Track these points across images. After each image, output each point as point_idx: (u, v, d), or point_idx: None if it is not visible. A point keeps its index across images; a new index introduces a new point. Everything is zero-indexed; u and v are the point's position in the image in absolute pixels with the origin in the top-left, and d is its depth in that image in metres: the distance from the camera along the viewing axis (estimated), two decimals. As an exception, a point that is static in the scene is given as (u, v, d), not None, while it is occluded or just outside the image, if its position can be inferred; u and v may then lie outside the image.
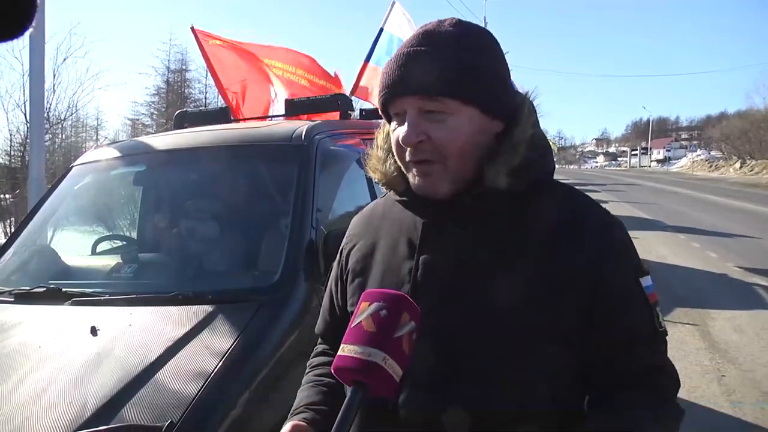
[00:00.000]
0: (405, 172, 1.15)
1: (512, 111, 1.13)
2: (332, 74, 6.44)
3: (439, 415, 1.03)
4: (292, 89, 5.91)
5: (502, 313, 1.03)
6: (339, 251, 1.34)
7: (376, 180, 1.24)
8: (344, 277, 1.29)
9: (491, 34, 1.16)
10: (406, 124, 1.09)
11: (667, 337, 1.11)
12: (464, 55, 1.08)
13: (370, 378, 0.91)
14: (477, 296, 1.06)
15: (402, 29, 6.85)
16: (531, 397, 1.03)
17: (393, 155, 1.19)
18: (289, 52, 6.21)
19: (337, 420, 0.89)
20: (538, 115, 1.17)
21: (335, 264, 1.35)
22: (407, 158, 1.11)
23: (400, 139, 1.10)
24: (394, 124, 1.14)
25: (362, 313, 0.96)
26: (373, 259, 1.22)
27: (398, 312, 0.94)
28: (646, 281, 1.09)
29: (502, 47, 1.16)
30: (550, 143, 1.24)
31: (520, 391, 1.03)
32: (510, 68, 1.18)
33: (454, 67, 1.06)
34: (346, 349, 0.94)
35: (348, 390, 0.94)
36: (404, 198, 1.19)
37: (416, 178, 1.11)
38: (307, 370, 1.36)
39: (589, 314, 1.03)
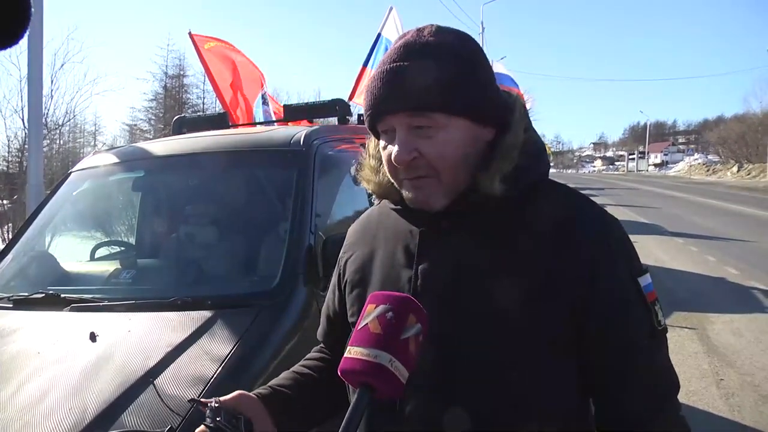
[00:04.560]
0: (399, 187, 1.14)
1: (502, 116, 1.12)
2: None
3: (441, 417, 1.04)
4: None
5: (501, 318, 1.03)
6: (337, 261, 1.34)
7: (370, 191, 1.23)
8: (342, 287, 1.29)
9: (472, 38, 1.15)
10: (396, 142, 1.08)
11: (667, 335, 1.10)
12: (446, 65, 1.06)
13: (377, 380, 0.91)
14: (476, 302, 1.06)
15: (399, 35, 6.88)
16: (531, 400, 1.03)
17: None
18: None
19: (344, 421, 0.90)
20: (530, 118, 1.16)
21: (334, 273, 1.35)
22: (401, 176, 1.11)
23: (392, 158, 1.08)
24: (383, 141, 1.13)
25: (368, 315, 0.96)
26: (371, 269, 1.21)
27: (405, 314, 0.95)
28: (644, 280, 1.08)
29: (484, 51, 1.15)
30: (545, 146, 1.23)
31: (520, 394, 1.03)
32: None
33: (438, 80, 1.05)
34: (352, 351, 0.94)
35: (354, 392, 0.94)
36: (399, 207, 1.19)
37: (410, 193, 1.11)
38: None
39: (587, 315, 1.03)
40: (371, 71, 6.66)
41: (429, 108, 1.05)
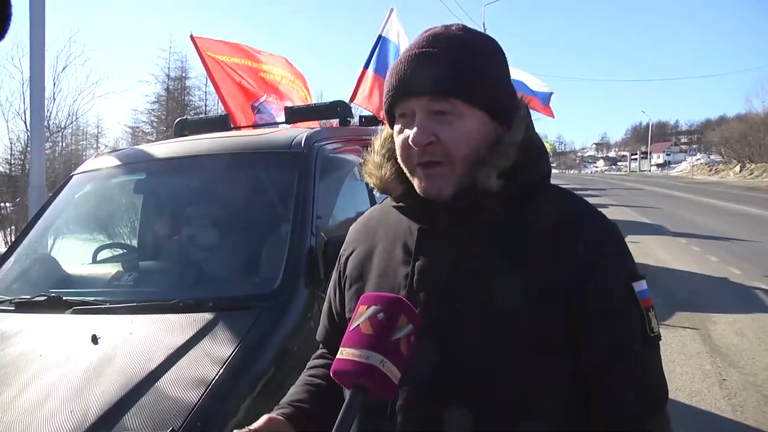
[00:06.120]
0: (409, 175, 1.14)
1: (513, 116, 1.14)
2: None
3: (437, 417, 1.04)
4: (289, 95, 5.98)
5: (496, 317, 1.03)
6: (337, 259, 1.35)
7: (372, 185, 1.24)
8: (342, 284, 1.29)
9: (496, 41, 1.18)
10: (415, 125, 1.09)
11: (660, 342, 1.10)
12: (473, 59, 1.09)
13: (369, 380, 0.92)
14: (472, 301, 1.06)
15: (399, 37, 6.88)
16: (528, 400, 1.03)
17: (390, 160, 1.19)
18: (275, 57, 6.26)
19: (336, 422, 0.90)
20: (531, 119, 1.18)
21: (334, 271, 1.36)
22: (414, 160, 1.11)
23: (409, 140, 1.09)
24: (398, 126, 1.14)
25: (360, 316, 0.97)
26: (370, 266, 1.22)
27: (396, 315, 0.95)
28: (640, 286, 1.08)
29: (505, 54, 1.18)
30: (547, 144, 1.24)
31: (516, 394, 1.03)
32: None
33: (465, 70, 1.08)
34: (344, 353, 0.95)
35: (347, 393, 0.95)
36: (400, 204, 1.19)
37: (422, 180, 1.11)
38: (303, 372, 1.38)
39: (583, 315, 1.03)
40: (372, 73, 6.67)
41: (452, 93, 1.07)
